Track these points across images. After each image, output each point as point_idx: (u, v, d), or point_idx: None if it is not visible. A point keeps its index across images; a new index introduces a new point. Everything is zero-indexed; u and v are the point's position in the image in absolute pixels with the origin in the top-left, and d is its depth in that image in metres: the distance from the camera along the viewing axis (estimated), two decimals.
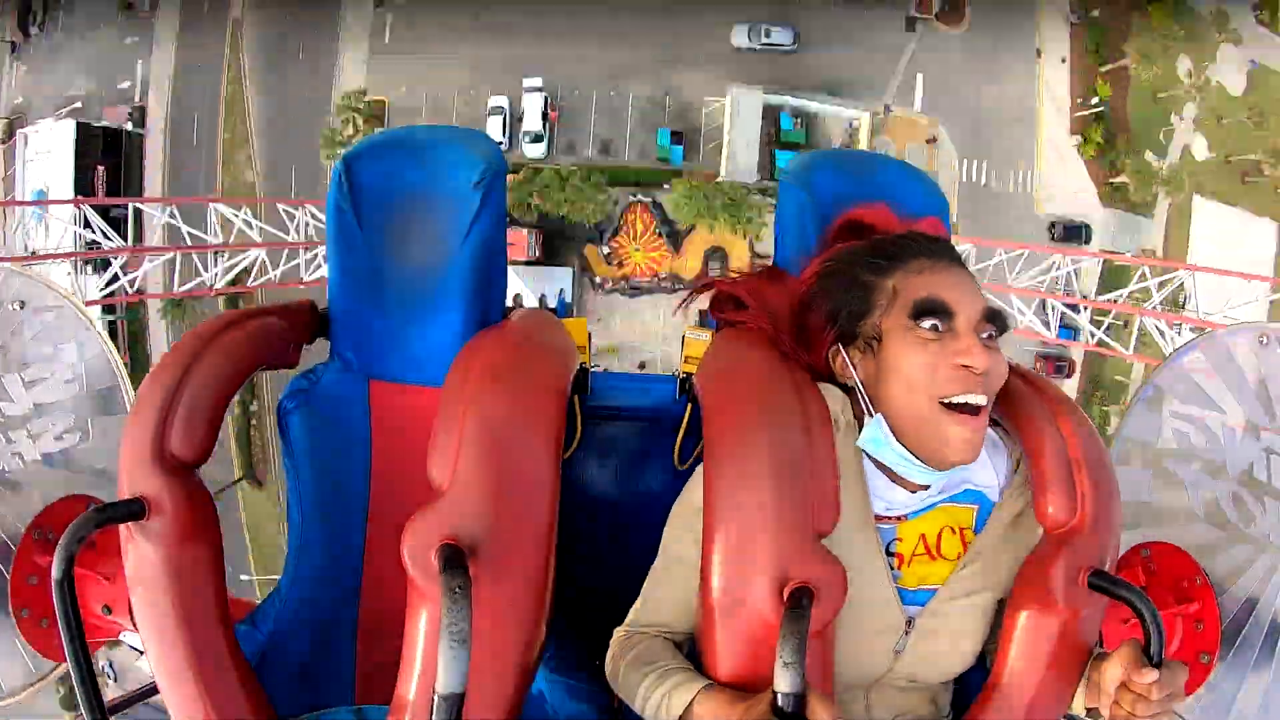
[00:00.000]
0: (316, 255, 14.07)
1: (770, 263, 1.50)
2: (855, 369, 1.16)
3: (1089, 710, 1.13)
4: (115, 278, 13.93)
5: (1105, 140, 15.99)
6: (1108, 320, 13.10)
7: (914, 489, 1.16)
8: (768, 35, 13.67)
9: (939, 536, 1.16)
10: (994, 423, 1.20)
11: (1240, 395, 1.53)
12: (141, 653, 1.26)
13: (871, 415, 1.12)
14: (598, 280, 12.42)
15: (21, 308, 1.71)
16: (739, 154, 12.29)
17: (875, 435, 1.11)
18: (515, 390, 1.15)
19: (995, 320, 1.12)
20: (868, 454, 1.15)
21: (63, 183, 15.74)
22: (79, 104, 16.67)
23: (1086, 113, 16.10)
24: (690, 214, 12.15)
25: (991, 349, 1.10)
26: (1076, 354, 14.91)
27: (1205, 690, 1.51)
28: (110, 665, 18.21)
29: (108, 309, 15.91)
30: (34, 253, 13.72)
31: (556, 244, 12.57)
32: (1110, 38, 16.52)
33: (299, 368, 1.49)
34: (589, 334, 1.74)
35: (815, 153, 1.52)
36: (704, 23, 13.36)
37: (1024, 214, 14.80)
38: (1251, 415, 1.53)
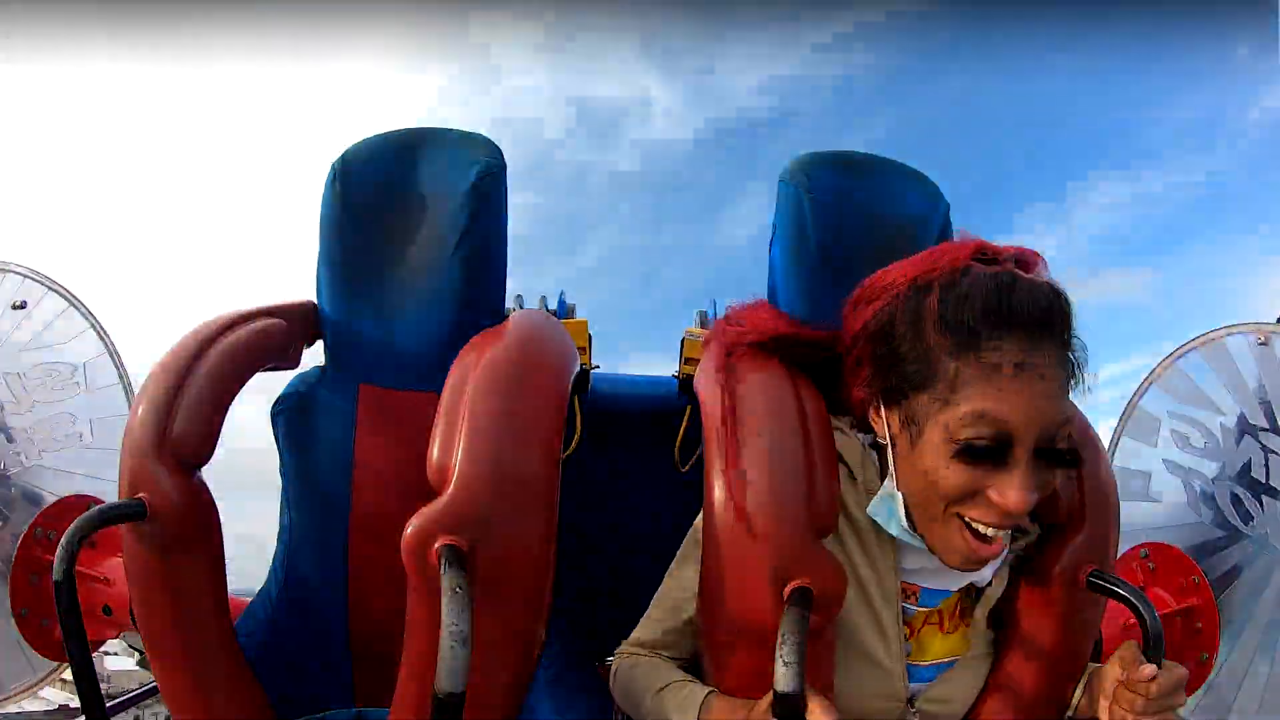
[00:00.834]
0: None
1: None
2: (888, 430, 1.02)
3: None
4: None
5: None
6: None
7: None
8: None
9: (942, 609, 1.12)
10: None
11: (1239, 395, 1.53)
12: (141, 653, 1.26)
13: (891, 478, 1.02)
14: None
15: (22, 307, 1.71)
16: None
17: (886, 509, 1.03)
18: (515, 391, 1.15)
19: (1063, 458, 0.93)
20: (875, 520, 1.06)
21: None
22: None
23: None
24: None
25: (1046, 480, 0.94)
26: None
27: (1205, 690, 1.51)
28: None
29: None
30: None
31: None
32: None
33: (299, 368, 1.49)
34: (589, 335, 1.73)
35: (814, 153, 1.49)
36: None
37: None
38: (1250, 415, 1.53)
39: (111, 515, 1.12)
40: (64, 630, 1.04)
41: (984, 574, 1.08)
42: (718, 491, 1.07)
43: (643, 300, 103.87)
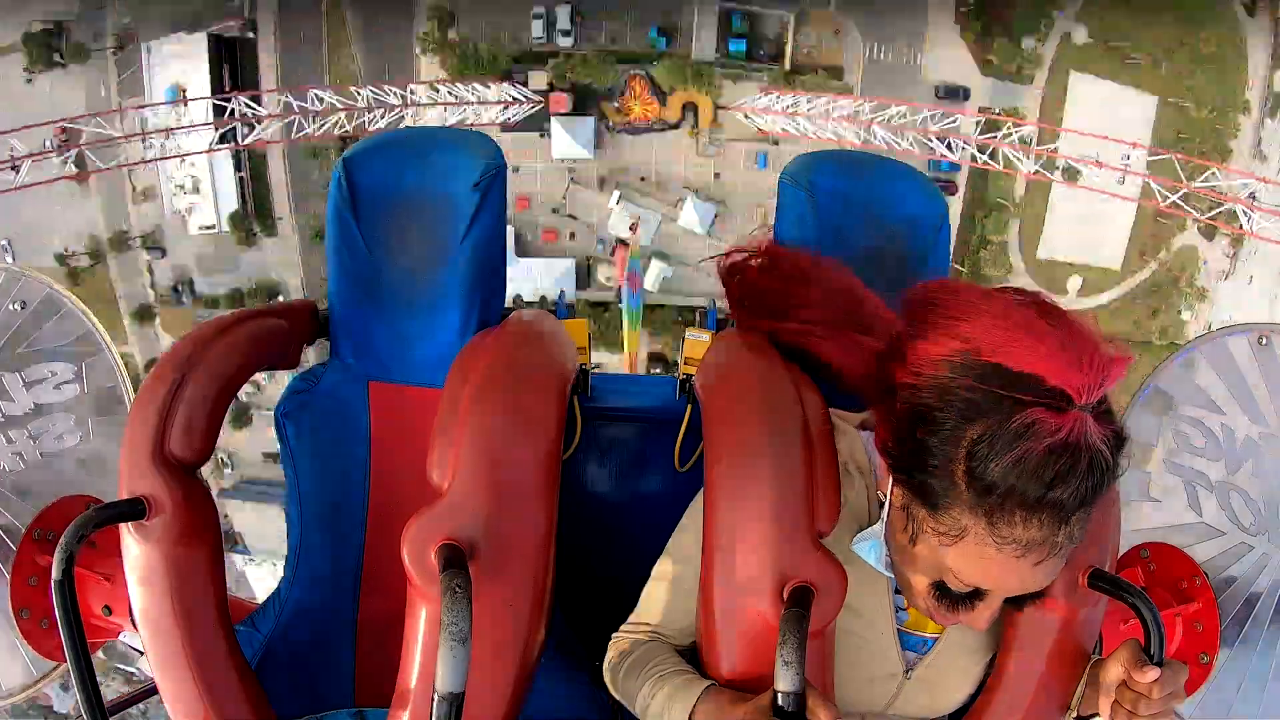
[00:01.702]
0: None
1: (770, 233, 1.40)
2: (890, 490, 0.99)
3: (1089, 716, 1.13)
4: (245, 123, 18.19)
5: (984, 28, 19.05)
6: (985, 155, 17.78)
7: None
8: None
9: None
10: None
11: (1239, 395, 1.53)
12: (141, 653, 1.26)
13: (882, 522, 1.02)
14: (611, 124, 19.71)
15: (22, 308, 1.70)
16: (704, 42, 19.67)
17: (873, 552, 1.03)
18: (515, 391, 1.15)
19: (1027, 600, 0.95)
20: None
21: (200, 82, 19.56)
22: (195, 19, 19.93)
23: (965, 8, 18.99)
24: (672, 80, 19.59)
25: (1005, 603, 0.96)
26: (961, 180, 19.59)
27: (1205, 690, 1.51)
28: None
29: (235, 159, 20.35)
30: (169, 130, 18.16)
31: (584, 100, 19.64)
32: None
33: (299, 368, 1.49)
34: (589, 334, 1.73)
35: (815, 153, 1.49)
36: None
37: (915, 80, 19.41)
38: (1250, 415, 1.53)
39: (111, 515, 1.13)
40: (63, 630, 1.03)
41: None
42: (718, 491, 1.07)
43: None
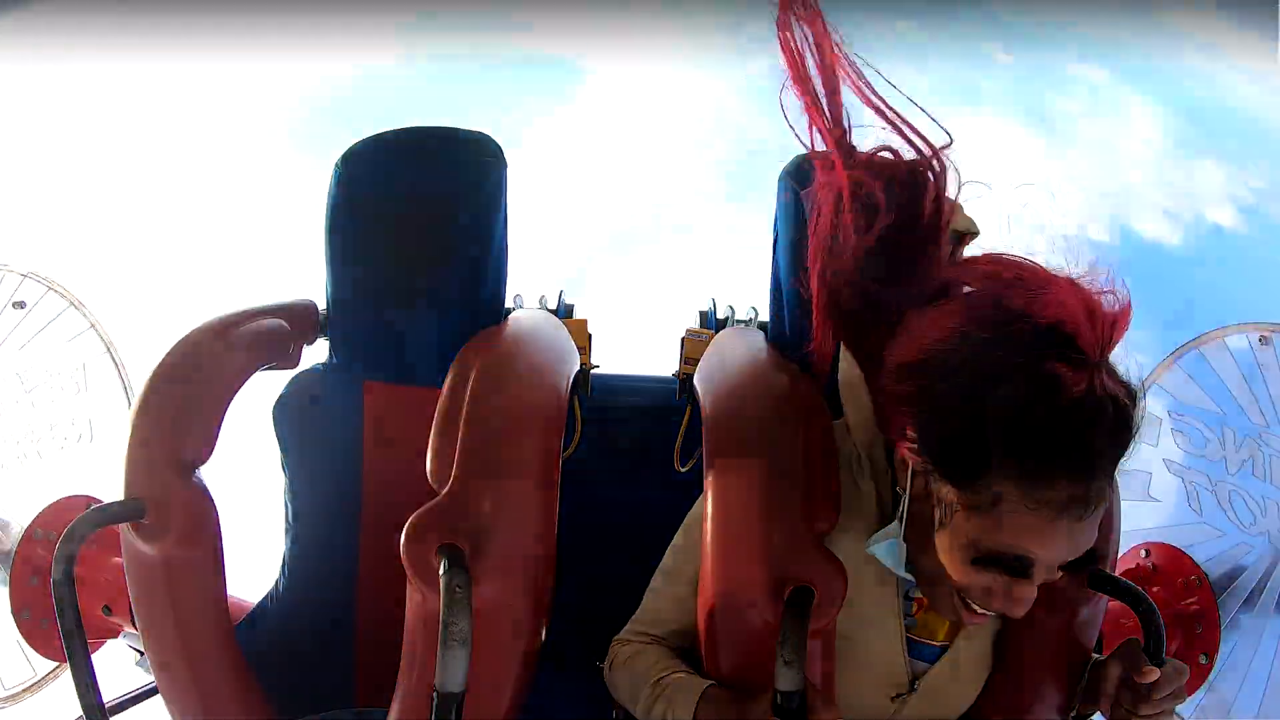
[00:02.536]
0: None
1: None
2: (910, 484, 0.96)
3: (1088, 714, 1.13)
4: None
5: None
6: None
7: None
8: None
9: None
10: None
11: (1239, 395, 1.53)
12: (141, 653, 1.26)
13: (900, 522, 0.99)
14: None
15: (22, 307, 1.71)
16: None
17: (890, 554, 1.01)
18: (515, 390, 1.15)
19: (1077, 565, 0.92)
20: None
21: None
22: None
23: None
24: None
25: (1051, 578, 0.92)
26: None
27: (1205, 690, 1.51)
28: None
29: None
30: None
31: None
32: None
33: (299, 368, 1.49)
34: (589, 334, 1.73)
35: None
36: None
37: None
38: (1251, 415, 1.53)
39: (111, 515, 1.12)
40: (63, 630, 1.03)
41: None
42: (717, 491, 1.07)
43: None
